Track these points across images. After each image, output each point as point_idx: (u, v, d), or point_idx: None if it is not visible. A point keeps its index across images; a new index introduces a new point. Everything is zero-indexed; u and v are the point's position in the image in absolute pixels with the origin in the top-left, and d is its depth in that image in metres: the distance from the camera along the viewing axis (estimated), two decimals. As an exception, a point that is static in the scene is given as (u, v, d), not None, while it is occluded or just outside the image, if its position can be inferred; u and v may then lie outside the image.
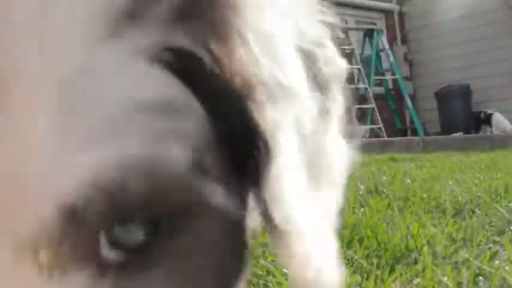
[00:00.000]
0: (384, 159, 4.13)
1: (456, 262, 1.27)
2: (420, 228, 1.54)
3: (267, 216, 0.33)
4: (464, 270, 1.19)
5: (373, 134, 7.20)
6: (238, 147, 0.30)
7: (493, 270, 1.18)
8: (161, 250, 0.28)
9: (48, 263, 0.25)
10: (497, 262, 1.25)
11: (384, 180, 2.69)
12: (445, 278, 1.14)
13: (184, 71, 0.28)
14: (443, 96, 7.82)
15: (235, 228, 0.31)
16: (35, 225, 0.25)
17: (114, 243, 0.27)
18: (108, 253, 0.27)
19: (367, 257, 1.32)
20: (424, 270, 1.22)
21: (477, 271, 1.20)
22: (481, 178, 2.75)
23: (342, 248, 1.37)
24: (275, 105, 0.31)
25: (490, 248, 1.38)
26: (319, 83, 0.37)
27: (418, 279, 1.17)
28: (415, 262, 1.28)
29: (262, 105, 0.31)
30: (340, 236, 1.46)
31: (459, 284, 1.13)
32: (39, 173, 0.24)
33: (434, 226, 1.63)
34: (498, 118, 7.38)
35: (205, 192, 0.28)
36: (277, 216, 0.32)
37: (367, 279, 1.18)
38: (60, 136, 0.24)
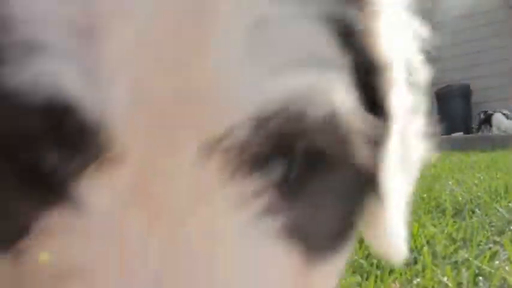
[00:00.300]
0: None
1: (456, 262, 1.27)
2: (420, 228, 1.54)
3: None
4: (464, 270, 1.19)
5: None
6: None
7: (493, 270, 1.18)
8: (312, 181, 0.32)
9: (227, 166, 0.29)
10: (497, 262, 1.25)
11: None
12: (445, 278, 1.15)
13: (344, 35, 0.33)
14: (443, 96, 7.83)
15: (364, 180, 0.36)
16: (223, 129, 0.28)
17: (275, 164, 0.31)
18: (271, 170, 0.31)
19: (367, 257, 1.32)
20: (424, 270, 1.22)
21: (477, 271, 1.20)
22: (481, 178, 2.75)
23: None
24: (396, 90, 0.36)
25: (490, 248, 1.38)
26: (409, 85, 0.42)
27: (418, 279, 1.17)
28: (415, 262, 1.29)
29: (389, 85, 0.36)
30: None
31: (459, 284, 1.13)
32: (235, 86, 0.28)
33: (434, 226, 1.63)
34: (498, 118, 7.37)
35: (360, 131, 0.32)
36: (383, 186, 0.37)
37: (367, 279, 1.18)
38: (252, 62, 0.28)
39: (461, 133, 7.11)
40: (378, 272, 1.21)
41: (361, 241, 1.43)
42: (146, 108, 0.27)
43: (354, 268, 1.26)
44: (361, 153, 0.33)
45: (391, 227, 0.39)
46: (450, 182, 2.60)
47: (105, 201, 0.28)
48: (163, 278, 0.27)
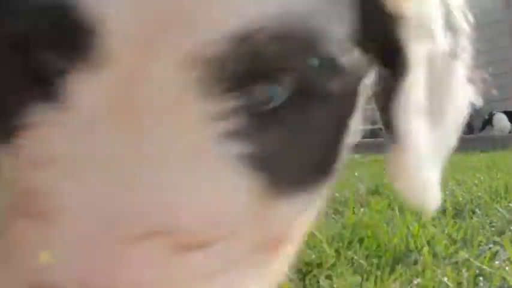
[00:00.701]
0: (383, 160, 4.12)
1: (456, 262, 1.27)
2: (420, 228, 1.54)
3: (389, 124, 0.37)
4: (464, 270, 1.19)
5: (373, 134, 7.19)
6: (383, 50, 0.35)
7: (493, 270, 1.19)
8: (294, 107, 0.32)
9: (204, 81, 0.29)
10: (497, 262, 1.25)
11: (384, 180, 2.69)
12: (445, 278, 1.15)
13: None
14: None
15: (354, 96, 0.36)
16: (199, 44, 0.29)
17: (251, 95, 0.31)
18: (249, 94, 0.30)
19: (367, 257, 1.32)
20: (424, 270, 1.22)
21: (477, 271, 1.20)
22: (481, 178, 2.75)
23: (342, 248, 1.38)
24: (416, 36, 0.36)
25: (490, 248, 1.38)
26: (451, 28, 0.42)
27: (418, 279, 1.17)
28: (415, 262, 1.28)
29: (407, 33, 0.35)
30: (340, 237, 1.46)
31: (459, 284, 1.13)
32: (215, 3, 0.29)
33: (435, 226, 1.63)
34: (499, 118, 7.37)
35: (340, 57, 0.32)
36: (400, 125, 0.36)
37: (367, 279, 1.18)
38: None
39: (461, 133, 7.10)
40: (378, 273, 1.21)
41: (361, 241, 1.43)
42: (137, 16, 0.28)
43: (354, 268, 1.26)
44: (347, 87, 0.33)
45: (417, 172, 0.38)
46: (450, 183, 2.60)
47: (90, 101, 0.29)
48: (129, 177, 0.28)
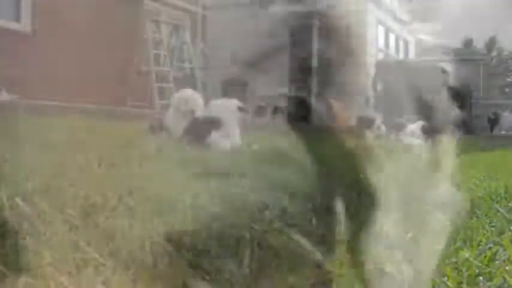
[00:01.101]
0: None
1: (456, 262, 1.27)
2: (420, 228, 1.54)
3: (356, 261, 0.33)
4: (464, 270, 1.19)
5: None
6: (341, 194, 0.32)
7: (493, 270, 1.18)
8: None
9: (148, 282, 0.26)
10: (497, 262, 1.25)
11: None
12: (445, 278, 1.14)
13: (300, 118, 0.29)
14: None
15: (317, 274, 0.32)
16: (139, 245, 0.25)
17: (207, 273, 0.28)
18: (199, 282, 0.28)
19: (367, 256, 1.32)
20: (424, 270, 1.22)
21: (477, 271, 1.20)
22: (481, 178, 2.75)
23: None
24: (383, 160, 0.32)
25: (490, 248, 1.38)
26: (434, 128, 0.38)
27: (418, 279, 1.17)
28: (415, 262, 1.28)
29: (371, 160, 0.32)
30: (340, 236, 1.46)
31: (459, 284, 1.13)
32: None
33: (435, 226, 1.63)
34: (504, 117, 7.38)
35: (290, 238, 0.29)
36: (368, 263, 0.33)
37: (367, 279, 1.17)
38: None
39: (461, 133, 7.11)
40: (378, 272, 1.21)
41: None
42: None
43: (354, 268, 1.26)
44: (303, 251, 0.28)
45: None
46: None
47: None
48: None
